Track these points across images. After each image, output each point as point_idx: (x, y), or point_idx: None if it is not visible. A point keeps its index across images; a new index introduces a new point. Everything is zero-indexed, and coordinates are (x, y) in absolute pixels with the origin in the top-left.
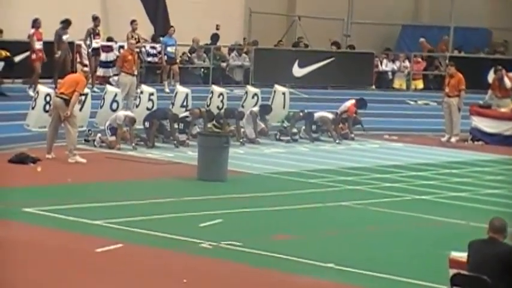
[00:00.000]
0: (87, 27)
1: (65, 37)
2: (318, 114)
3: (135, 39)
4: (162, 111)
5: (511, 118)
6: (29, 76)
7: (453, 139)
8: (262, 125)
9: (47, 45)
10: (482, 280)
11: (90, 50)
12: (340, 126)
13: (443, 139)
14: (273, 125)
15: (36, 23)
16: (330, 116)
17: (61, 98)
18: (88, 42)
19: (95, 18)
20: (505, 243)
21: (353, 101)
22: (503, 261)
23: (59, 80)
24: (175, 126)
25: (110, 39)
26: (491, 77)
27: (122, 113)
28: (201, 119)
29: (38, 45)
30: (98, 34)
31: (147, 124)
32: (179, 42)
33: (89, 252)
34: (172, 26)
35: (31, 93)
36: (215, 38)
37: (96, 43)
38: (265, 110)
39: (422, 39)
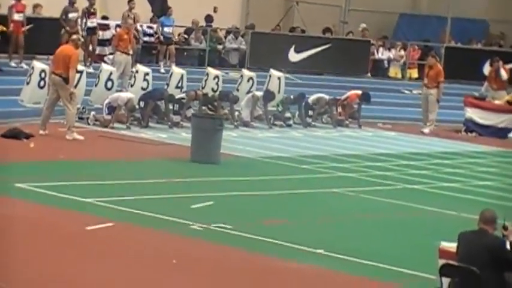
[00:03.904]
0: (82, 6)
1: (71, 15)
2: (313, 97)
3: (132, 18)
4: (158, 91)
5: (505, 110)
6: (15, 50)
7: (426, 129)
8: (261, 112)
9: (44, 21)
10: (471, 271)
11: (85, 30)
12: (339, 112)
13: (426, 130)
14: (268, 110)
15: None
16: (327, 96)
17: (60, 76)
18: (84, 21)
19: None
20: (494, 235)
21: (358, 92)
22: (493, 252)
23: (50, 57)
24: (170, 107)
25: (104, 18)
26: (487, 68)
27: (125, 95)
28: (196, 101)
29: (18, 17)
30: (94, 13)
31: (142, 104)
32: (176, 23)
33: (79, 229)
34: (170, 7)
35: (24, 66)
36: (209, 19)
37: (92, 23)
38: (269, 96)
39: (363, 25)
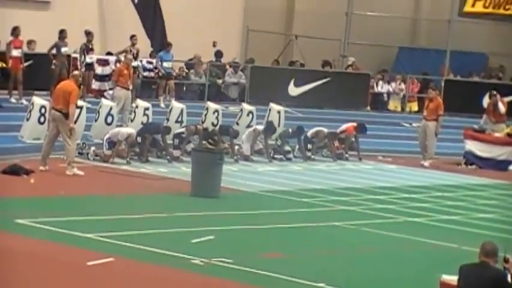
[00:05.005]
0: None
1: (63, 49)
2: (312, 131)
3: (133, 54)
4: (155, 125)
5: (504, 143)
6: (15, 86)
7: (426, 163)
8: (261, 146)
9: (42, 57)
10: None
11: (83, 65)
12: (336, 145)
13: (425, 163)
14: (268, 144)
15: (15, 31)
16: (325, 130)
17: (60, 112)
18: (82, 58)
19: (88, 33)
20: (496, 268)
21: (354, 124)
22: (494, 285)
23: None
24: (170, 141)
25: (109, 54)
26: (486, 101)
27: (125, 130)
28: (196, 135)
29: (16, 53)
30: (92, 49)
31: (139, 139)
32: (175, 58)
33: (80, 265)
34: (168, 43)
35: (24, 102)
36: (219, 54)
37: (90, 58)
38: (271, 129)
39: (352, 59)
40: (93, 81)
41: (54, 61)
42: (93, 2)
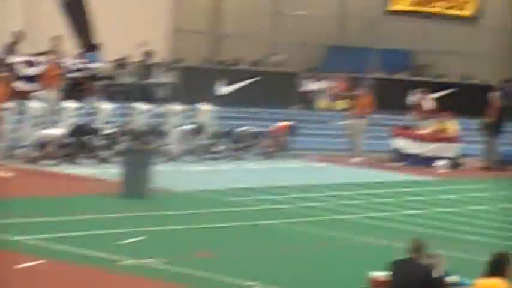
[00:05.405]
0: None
1: None
2: (239, 130)
3: (58, 54)
4: (83, 126)
5: (431, 139)
6: None
7: (354, 160)
8: (191, 145)
9: None
10: None
11: (6, 66)
12: (267, 144)
13: (354, 160)
14: (198, 143)
15: None
16: (252, 129)
17: None
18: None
19: (16, 35)
20: (424, 264)
21: (285, 123)
22: (423, 280)
23: None
24: (99, 142)
25: (36, 55)
26: (412, 98)
27: (53, 132)
28: (125, 136)
29: None
30: (15, 50)
31: (69, 140)
32: (104, 59)
33: (8, 268)
34: (96, 44)
35: None
36: (148, 54)
37: (13, 59)
38: (199, 129)
39: (278, 57)
40: (20, 82)
41: None
42: (18, 3)
